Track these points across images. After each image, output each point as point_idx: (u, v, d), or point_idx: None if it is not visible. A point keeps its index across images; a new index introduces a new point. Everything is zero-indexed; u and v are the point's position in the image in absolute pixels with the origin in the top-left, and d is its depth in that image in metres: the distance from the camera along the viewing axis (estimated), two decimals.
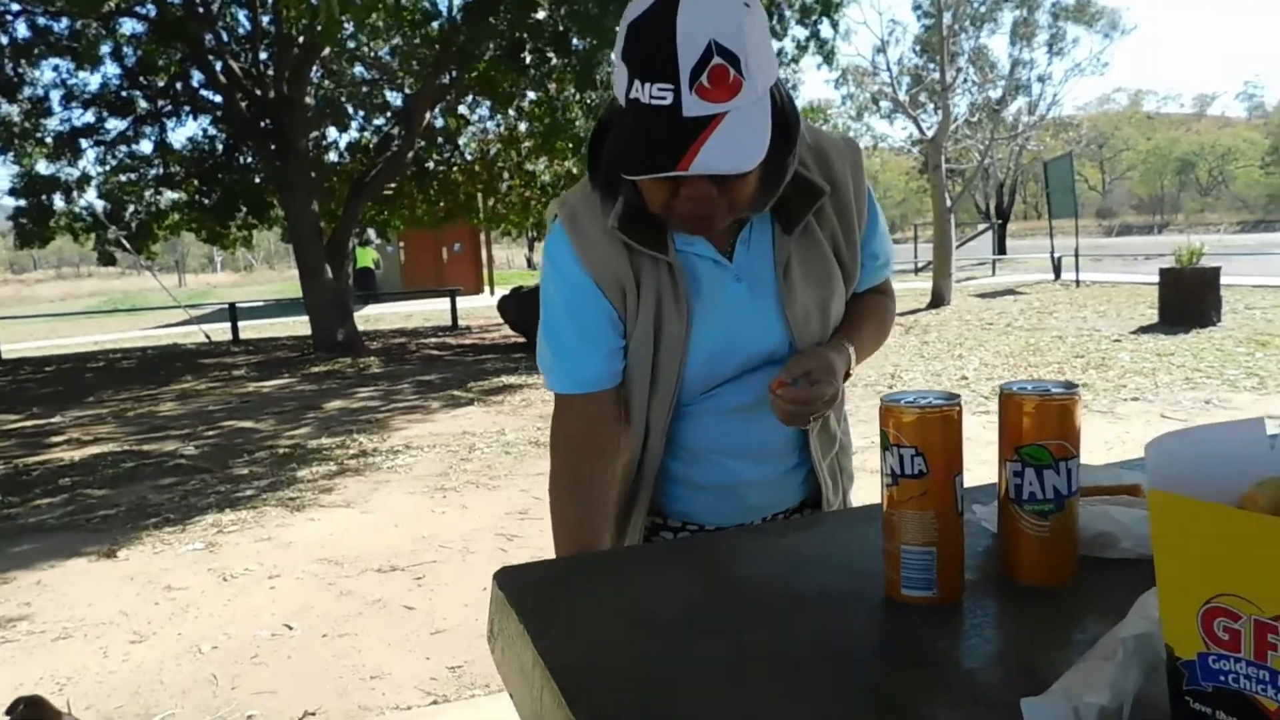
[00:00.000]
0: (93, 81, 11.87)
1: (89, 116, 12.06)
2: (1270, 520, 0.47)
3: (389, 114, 12.91)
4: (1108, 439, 5.04)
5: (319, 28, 7.01)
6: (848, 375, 1.12)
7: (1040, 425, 0.81)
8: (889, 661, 0.73)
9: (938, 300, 13.16)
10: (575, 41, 9.38)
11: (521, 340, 11.15)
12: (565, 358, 1.15)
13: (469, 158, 13.60)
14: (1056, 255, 16.94)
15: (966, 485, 0.85)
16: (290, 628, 3.05)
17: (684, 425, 1.18)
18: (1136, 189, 67.75)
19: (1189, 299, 9.31)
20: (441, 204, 13.87)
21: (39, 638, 3.08)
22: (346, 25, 8.11)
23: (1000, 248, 25.89)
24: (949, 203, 13.74)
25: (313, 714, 2.48)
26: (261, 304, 19.22)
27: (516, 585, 0.94)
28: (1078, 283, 15.24)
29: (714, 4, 0.90)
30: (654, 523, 1.25)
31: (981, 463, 1.07)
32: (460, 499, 4.52)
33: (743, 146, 0.91)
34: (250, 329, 15.08)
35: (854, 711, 0.64)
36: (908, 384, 7.11)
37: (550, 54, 9.57)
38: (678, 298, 1.09)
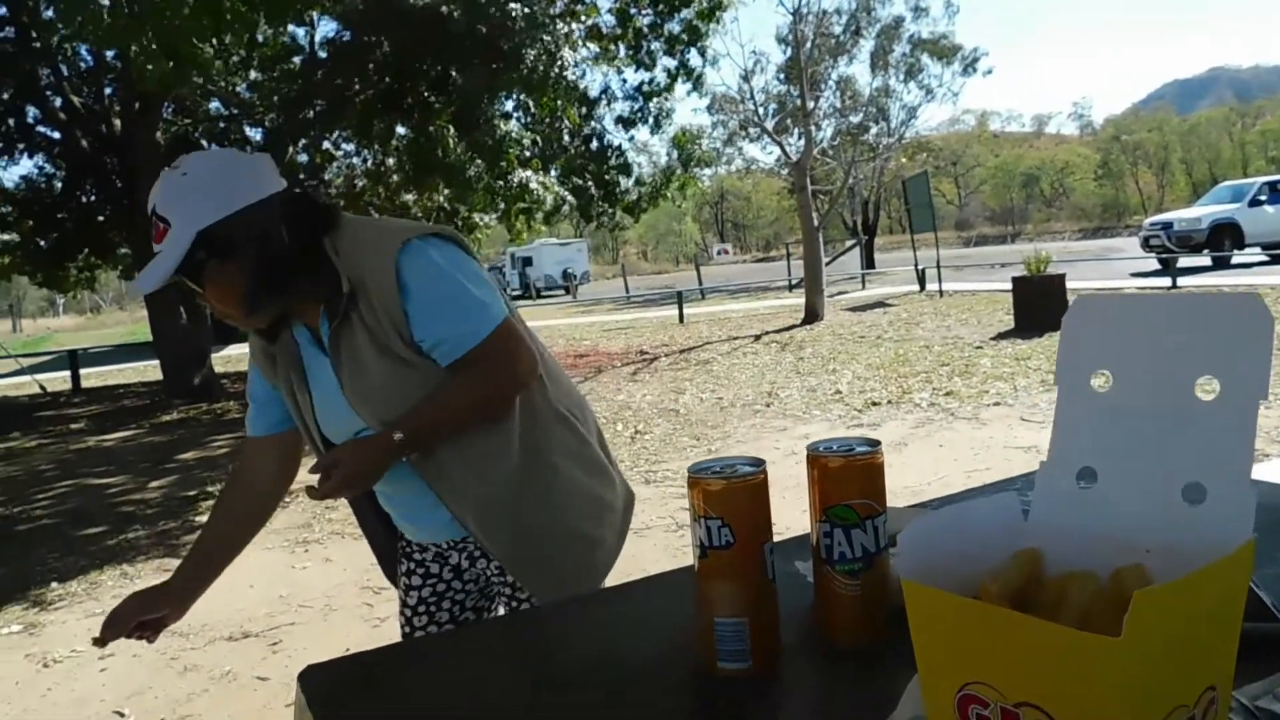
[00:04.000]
0: None
1: None
2: (1000, 611, 0.46)
3: (249, 148, 12.39)
4: (974, 444, 5.28)
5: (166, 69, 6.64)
6: (410, 448, 1.31)
7: (845, 485, 0.82)
8: None
9: (811, 316, 13.58)
10: (454, 75, 9.30)
11: None
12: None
13: (334, 193, 13.20)
14: (920, 267, 17.80)
15: (804, 529, 0.84)
16: (122, 715, 2.78)
17: None
18: (989, 202, 72.65)
19: (1040, 304, 9.95)
20: None
21: None
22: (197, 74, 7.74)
23: (869, 262, 27.06)
24: (817, 221, 14.24)
25: None
26: (109, 349, 17.98)
27: (321, 686, 0.88)
28: (941, 293, 16.05)
29: (161, 181, 1.28)
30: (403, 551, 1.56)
31: None
32: (324, 551, 4.29)
33: (148, 274, 1.27)
34: (95, 377, 14.08)
35: None
36: (784, 401, 7.26)
37: (431, 97, 9.44)
38: (294, 379, 1.41)
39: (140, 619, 1.38)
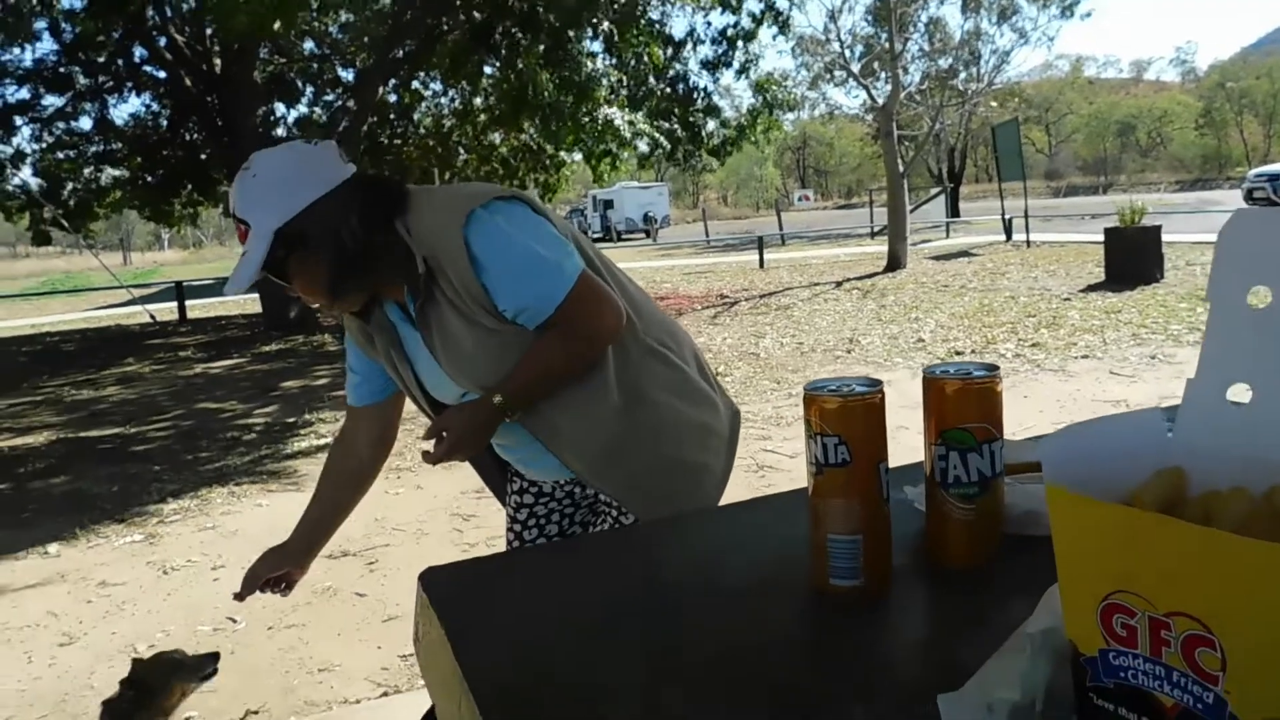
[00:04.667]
0: (27, 57, 11.28)
1: (24, 93, 11.56)
2: (1157, 518, 0.46)
3: (340, 89, 12.60)
4: (1060, 397, 5.14)
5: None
6: (510, 411, 1.36)
7: (962, 408, 0.81)
8: (812, 660, 0.71)
9: (894, 264, 13.27)
10: (541, 10, 9.26)
11: None
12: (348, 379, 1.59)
13: (423, 132, 13.36)
14: (1007, 217, 17.17)
15: (906, 461, 0.84)
16: (234, 621, 2.97)
17: None
18: (1081, 151, 68.97)
19: (1133, 257, 9.54)
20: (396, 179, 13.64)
21: None
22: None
23: (953, 211, 26.16)
24: (902, 168, 13.82)
25: (255, 713, 2.42)
26: (211, 282, 18.74)
27: (441, 587, 0.91)
28: (1028, 243, 15.46)
29: (236, 184, 1.32)
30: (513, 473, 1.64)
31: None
32: (415, 479, 4.47)
33: (237, 277, 1.31)
34: (198, 308, 14.74)
35: (770, 717, 0.63)
36: (865, 347, 7.18)
37: (519, 34, 9.43)
38: (394, 354, 1.45)
39: (268, 576, 1.52)
